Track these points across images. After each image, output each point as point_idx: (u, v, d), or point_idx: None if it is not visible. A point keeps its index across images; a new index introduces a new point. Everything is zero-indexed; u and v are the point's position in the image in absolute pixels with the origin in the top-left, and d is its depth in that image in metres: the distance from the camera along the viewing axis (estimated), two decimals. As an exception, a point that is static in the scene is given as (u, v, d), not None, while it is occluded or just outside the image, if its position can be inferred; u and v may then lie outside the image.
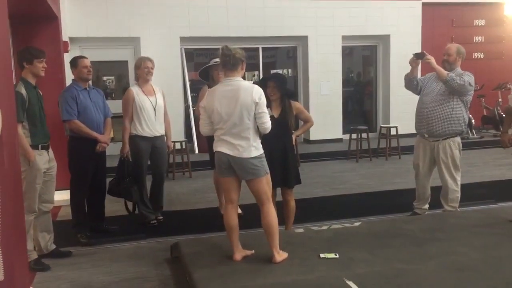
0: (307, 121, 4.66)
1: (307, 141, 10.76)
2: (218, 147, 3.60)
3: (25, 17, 5.95)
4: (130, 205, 5.09)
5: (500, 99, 11.52)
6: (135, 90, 5.04)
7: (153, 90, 5.15)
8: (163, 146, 5.21)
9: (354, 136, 8.98)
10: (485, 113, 11.87)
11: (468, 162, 8.22)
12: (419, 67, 5.12)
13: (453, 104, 4.80)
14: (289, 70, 11.56)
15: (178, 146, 8.00)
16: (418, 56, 4.87)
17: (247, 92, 3.48)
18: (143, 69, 5.04)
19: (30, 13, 5.90)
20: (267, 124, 3.53)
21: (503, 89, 11.58)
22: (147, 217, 5.16)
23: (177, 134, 9.28)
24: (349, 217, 5.22)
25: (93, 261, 4.25)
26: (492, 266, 3.54)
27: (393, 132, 9.20)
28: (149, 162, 5.21)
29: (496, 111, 11.49)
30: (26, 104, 3.90)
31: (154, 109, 5.04)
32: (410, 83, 5.08)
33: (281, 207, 4.39)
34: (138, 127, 5.00)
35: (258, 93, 3.50)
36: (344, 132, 10.82)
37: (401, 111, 11.10)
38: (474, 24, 11.96)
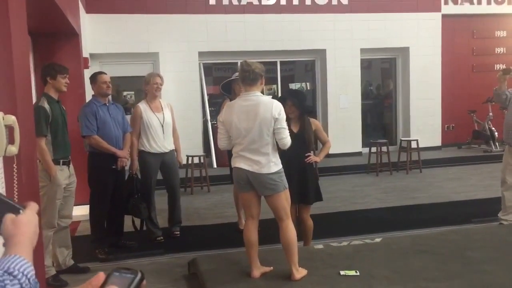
0: (325, 142, 4.59)
1: (326, 155, 10.63)
2: (237, 163, 3.56)
3: (47, 34, 6.07)
4: (136, 222, 5.05)
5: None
6: (142, 107, 5.03)
7: (161, 106, 5.13)
8: (173, 161, 5.18)
9: (373, 149, 8.87)
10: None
11: (492, 176, 8.02)
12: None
13: None
14: (307, 84, 11.52)
15: (196, 160, 8.00)
16: (504, 72, 5.18)
17: (267, 108, 3.44)
18: (152, 85, 5.04)
19: (52, 30, 6.02)
20: (286, 140, 3.48)
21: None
22: (153, 233, 5.13)
23: (196, 148, 9.29)
24: (369, 232, 5.11)
25: (111, 277, 4.22)
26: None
27: (413, 145, 9.06)
28: (161, 178, 5.19)
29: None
30: (50, 118, 3.93)
31: (162, 126, 5.03)
32: (499, 97, 5.30)
33: (299, 224, 4.31)
34: (145, 143, 5.00)
35: (277, 108, 3.46)
36: (363, 146, 10.69)
37: (421, 124, 10.95)
38: (496, 35, 11.75)
